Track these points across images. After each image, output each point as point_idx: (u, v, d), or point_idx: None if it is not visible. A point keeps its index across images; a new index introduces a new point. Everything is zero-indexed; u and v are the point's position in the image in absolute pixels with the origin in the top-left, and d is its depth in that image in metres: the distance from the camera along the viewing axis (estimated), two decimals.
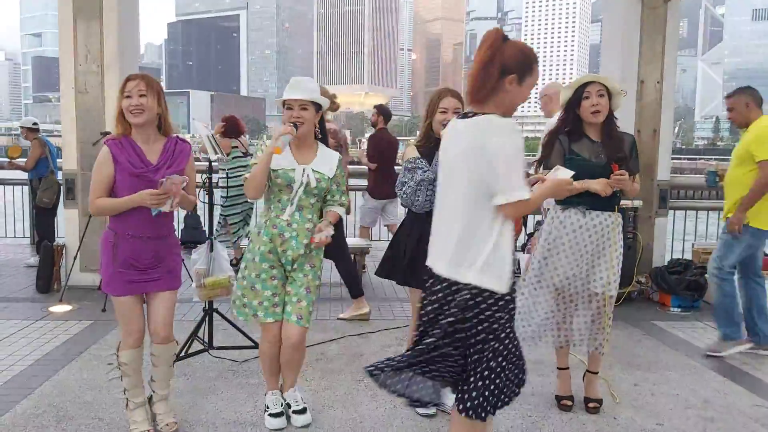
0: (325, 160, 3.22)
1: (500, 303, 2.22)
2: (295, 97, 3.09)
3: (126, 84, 2.91)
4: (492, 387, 2.24)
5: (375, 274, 3.62)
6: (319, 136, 3.29)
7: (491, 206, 2.17)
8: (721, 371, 4.20)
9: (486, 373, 2.23)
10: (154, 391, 3.17)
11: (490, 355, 2.23)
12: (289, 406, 3.33)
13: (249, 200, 6.31)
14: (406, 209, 3.49)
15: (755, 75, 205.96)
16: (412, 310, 3.51)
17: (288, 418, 3.29)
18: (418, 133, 3.57)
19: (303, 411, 3.31)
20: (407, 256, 3.39)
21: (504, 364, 2.25)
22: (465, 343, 2.22)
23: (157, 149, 2.96)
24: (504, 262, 2.21)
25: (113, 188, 2.90)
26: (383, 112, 6.92)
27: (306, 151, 3.16)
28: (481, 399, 2.23)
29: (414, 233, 3.38)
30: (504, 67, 2.20)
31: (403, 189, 3.36)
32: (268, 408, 3.30)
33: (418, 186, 3.26)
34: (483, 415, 2.24)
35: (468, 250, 2.19)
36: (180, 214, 7.77)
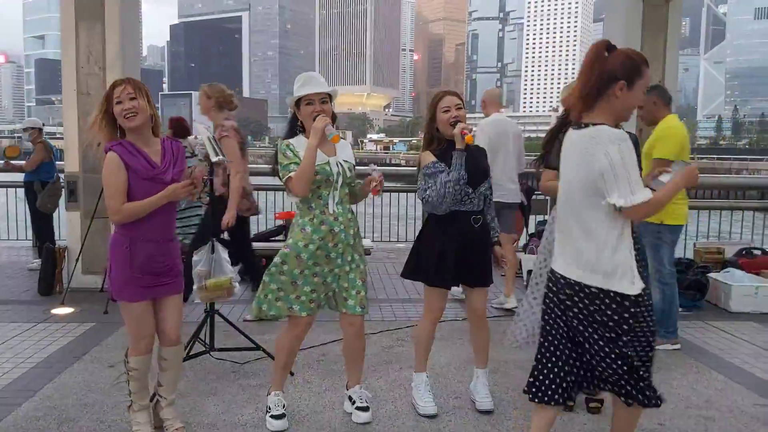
0: (344, 149, 3.28)
1: (628, 302, 2.31)
2: (317, 91, 3.14)
3: (113, 90, 2.89)
4: (647, 377, 2.41)
5: (401, 275, 3.64)
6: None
7: (611, 211, 2.27)
8: (723, 371, 4.19)
9: (643, 369, 2.38)
10: (161, 396, 3.15)
11: (643, 352, 2.36)
12: (353, 401, 3.39)
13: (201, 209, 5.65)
14: (427, 214, 3.51)
15: (757, 74, 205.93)
16: (425, 307, 3.54)
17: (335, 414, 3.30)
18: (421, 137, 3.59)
19: (366, 409, 3.36)
20: (435, 259, 3.39)
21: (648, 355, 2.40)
22: (626, 344, 2.34)
23: (156, 150, 2.96)
24: (629, 265, 2.33)
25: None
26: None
27: (327, 144, 3.17)
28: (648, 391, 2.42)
29: (439, 235, 3.40)
30: (612, 75, 2.29)
31: (428, 193, 3.32)
32: (269, 409, 3.29)
33: (444, 188, 3.25)
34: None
35: (596, 255, 2.31)
36: None
